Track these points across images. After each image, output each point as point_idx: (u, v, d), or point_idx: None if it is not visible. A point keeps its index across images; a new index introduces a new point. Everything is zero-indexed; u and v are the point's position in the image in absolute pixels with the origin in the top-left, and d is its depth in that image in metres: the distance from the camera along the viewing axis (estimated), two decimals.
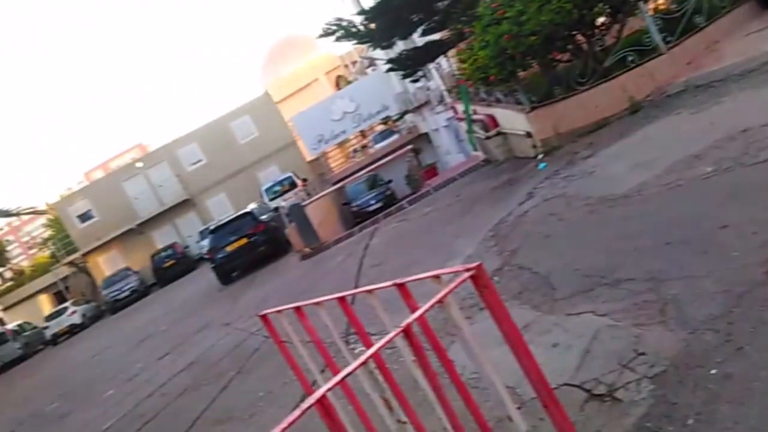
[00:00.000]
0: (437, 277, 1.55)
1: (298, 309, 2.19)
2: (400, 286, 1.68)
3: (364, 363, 1.29)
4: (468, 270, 1.38)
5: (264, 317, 2.41)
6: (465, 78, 9.34)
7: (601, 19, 8.36)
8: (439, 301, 1.40)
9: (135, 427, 5.76)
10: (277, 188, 25.37)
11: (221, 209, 29.22)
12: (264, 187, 26.20)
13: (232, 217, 17.69)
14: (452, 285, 1.41)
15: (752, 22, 7.93)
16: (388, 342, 1.31)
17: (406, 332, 1.32)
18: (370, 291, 1.84)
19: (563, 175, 6.49)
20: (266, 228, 15.37)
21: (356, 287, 6.86)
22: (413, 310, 1.62)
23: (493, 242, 5.51)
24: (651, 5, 8.62)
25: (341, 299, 1.96)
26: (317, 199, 21.40)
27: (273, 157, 33.44)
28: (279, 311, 2.30)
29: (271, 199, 23.95)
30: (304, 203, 16.18)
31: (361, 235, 11.59)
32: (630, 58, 7.79)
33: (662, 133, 6.00)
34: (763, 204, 3.31)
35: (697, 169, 4.38)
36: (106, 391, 8.47)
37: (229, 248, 15.04)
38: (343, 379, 1.23)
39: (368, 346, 2.01)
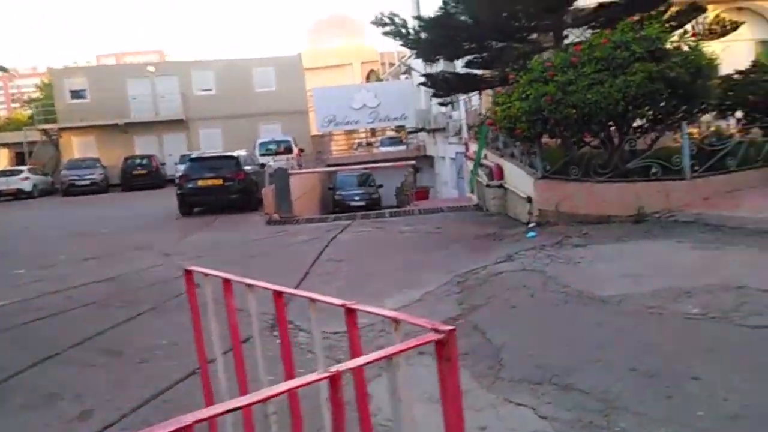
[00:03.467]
0: (396, 321, 1.29)
1: (227, 282, 1.90)
2: (350, 311, 1.41)
3: (263, 401, 1.01)
4: (437, 332, 1.12)
5: (189, 273, 2.11)
6: (492, 121, 9.13)
7: (641, 121, 8.22)
8: (389, 357, 1.14)
9: (24, 319, 5.37)
10: (272, 147, 24.93)
11: (211, 143, 28.69)
12: (260, 140, 25.74)
13: (217, 154, 17.24)
14: (410, 343, 1.15)
15: None
16: (305, 385, 1.03)
17: (333, 381, 1.05)
18: (312, 300, 1.56)
19: (549, 253, 6.29)
20: (245, 178, 14.96)
21: (306, 275, 6.57)
22: (353, 345, 1.36)
23: (458, 289, 5.26)
24: (693, 129, 8.50)
25: (278, 294, 1.68)
26: (306, 172, 21.06)
27: (281, 116, 32.98)
28: (206, 275, 2.01)
29: (262, 155, 23.51)
30: (291, 170, 15.85)
31: (333, 224, 11.28)
32: (654, 170, 7.65)
33: (659, 254, 5.82)
34: (742, 370, 3.11)
35: (684, 305, 4.18)
36: (17, 268, 8.04)
37: (201, 182, 14.63)
38: (219, 414, 0.95)
39: (288, 366, 1.73)
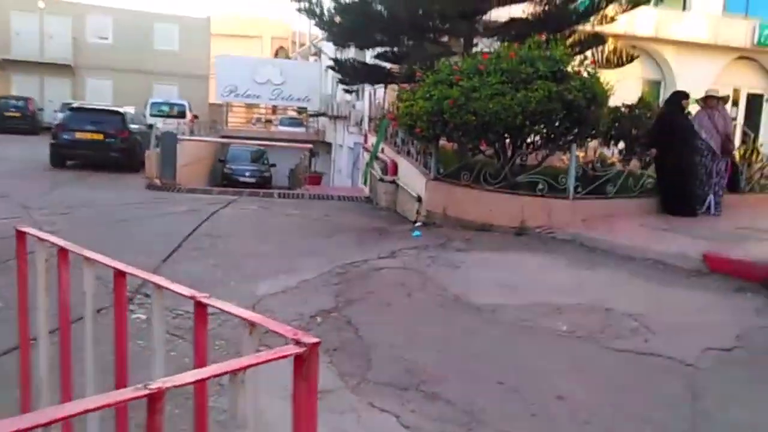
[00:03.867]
0: (252, 324, 1.09)
1: (63, 252, 1.62)
2: (200, 306, 1.20)
3: (62, 419, 0.79)
4: (298, 344, 0.94)
5: (21, 235, 1.79)
6: (393, 116, 9.07)
7: (534, 138, 8.46)
8: (233, 372, 0.94)
9: None
10: (165, 108, 23.66)
11: (100, 96, 26.76)
12: (152, 100, 24.32)
13: (102, 107, 16.04)
14: (263, 356, 0.96)
15: (649, 217, 8.36)
16: (108, 405, 0.81)
17: (152, 400, 0.84)
18: (158, 286, 1.33)
19: (431, 254, 6.28)
20: (129, 137, 14.02)
21: (177, 249, 6.16)
22: (198, 349, 1.15)
23: (336, 280, 5.11)
24: (580, 153, 8.87)
25: (120, 274, 1.43)
26: (197, 140, 20.10)
27: (179, 79, 31.45)
28: (41, 239, 1.70)
29: (152, 116, 22.24)
30: (181, 136, 15.04)
31: (217, 198, 10.80)
32: (540, 187, 7.89)
33: (536, 268, 5.98)
34: (606, 392, 3.19)
35: (554, 321, 4.27)
36: None
37: (79, 135, 13.55)
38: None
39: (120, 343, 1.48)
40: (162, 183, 12.21)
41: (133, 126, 14.60)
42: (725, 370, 3.58)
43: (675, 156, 8.42)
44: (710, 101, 8.79)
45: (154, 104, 23.63)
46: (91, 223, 7.57)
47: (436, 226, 7.88)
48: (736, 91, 19.20)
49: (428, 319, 4.23)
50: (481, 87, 7.30)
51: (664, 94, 12.80)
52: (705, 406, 3.18)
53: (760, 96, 20.80)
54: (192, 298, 1.21)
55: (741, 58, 20.52)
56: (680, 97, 8.80)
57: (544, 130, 8.15)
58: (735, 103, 18.95)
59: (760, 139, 13.77)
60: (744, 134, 12.62)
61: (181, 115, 23.06)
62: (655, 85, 19.11)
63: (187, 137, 17.88)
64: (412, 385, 3.04)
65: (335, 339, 3.64)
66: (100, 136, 13.59)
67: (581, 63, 8.16)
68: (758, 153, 11.16)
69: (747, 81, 19.68)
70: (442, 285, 5.12)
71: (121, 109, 14.98)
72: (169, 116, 22.59)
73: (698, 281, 5.65)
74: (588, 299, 4.89)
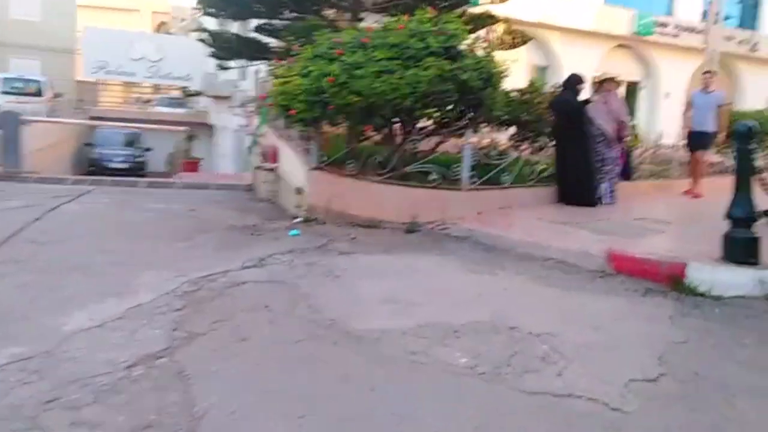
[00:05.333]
0: None
1: None
2: None
3: None
4: None
5: None
6: (265, 95, 7.96)
7: (426, 122, 7.69)
8: None
9: None
10: (19, 85, 20.95)
11: None
12: (3, 75, 21.49)
13: None
14: None
15: (547, 208, 7.85)
16: None
17: None
18: None
19: (309, 260, 5.32)
20: None
21: None
22: None
23: (180, 304, 4.02)
24: (475, 139, 8.21)
25: None
26: (53, 122, 17.88)
27: (41, 53, 28.37)
28: None
29: (4, 93, 19.65)
30: (29, 117, 13.05)
31: (69, 188, 9.31)
32: (433, 176, 7.13)
33: (429, 274, 5.17)
34: None
35: (451, 350, 3.44)
36: None
37: None
38: None
39: None
40: (4, 171, 10.41)
41: None
42: (656, 414, 2.89)
43: (573, 143, 7.96)
44: (608, 84, 8.39)
45: (6, 80, 20.85)
46: None
47: (318, 223, 6.92)
48: None
49: (292, 362, 3.26)
50: (366, 63, 6.37)
51: (551, 80, 12.59)
52: None
53: (636, 84, 21.49)
54: None
55: (620, 46, 21.09)
56: (576, 80, 8.33)
57: (437, 114, 7.39)
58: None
59: (639, 126, 13.96)
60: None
61: (38, 93, 20.50)
62: (542, 71, 19.13)
63: (41, 119, 15.78)
64: None
65: (152, 406, 2.59)
66: None
67: (474, 42, 7.43)
68: (640, 140, 11.10)
69: (625, 69, 20.16)
70: (318, 304, 4.17)
71: None
72: (24, 94, 19.99)
73: (604, 284, 5.07)
74: (489, 314, 4.13)
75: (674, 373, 3.37)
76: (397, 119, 7.17)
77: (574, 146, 8.01)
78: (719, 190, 10.47)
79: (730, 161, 13.07)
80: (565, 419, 2.81)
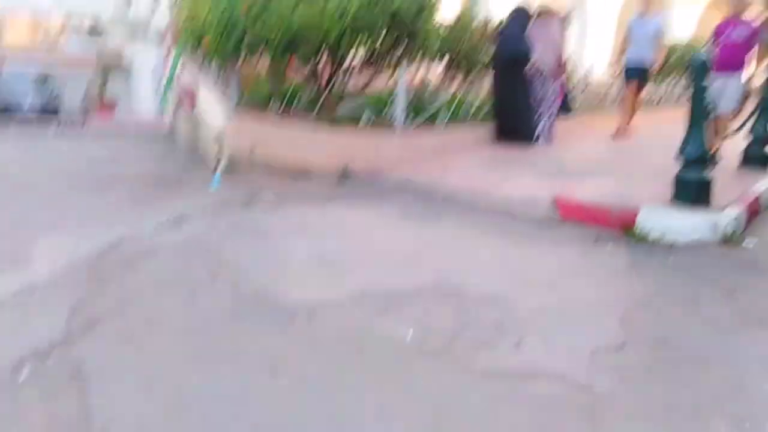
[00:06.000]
0: None
1: None
2: None
3: None
4: None
5: None
6: (179, 29, 7.08)
7: (355, 58, 7.05)
8: None
9: None
10: None
11: None
12: None
13: None
14: None
15: (485, 149, 7.47)
16: None
17: None
18: None
19: (232, 218, 4.75)
20: None
21: None
22: None
23: (84, 276, 3.42)
24: (409, 76, 7.65)
25: None
26: None
27: None
28: None
29: None
30: None
31: None
32: (365, 118, 6.57)
33: (364, 228, 4.70)
34: None
35: (395, 324, 3.01)
36: None
37: None
38: None
39: None
40: None
41: None
42: (632, 393, 2.58)
43: (513, 79, 7.53)
44: (544, 15, 7.92)
45: None
46: None
47: (243, 173, 6.29)
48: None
49: (212, 351, 2.75)
50: None
51: (479, 13, 12.00)
52: None
53: (567, 14, 21.09)
54: None
55: None
56: (524, 14, 7.82)
57: (368, 47, 6.75)
58: None
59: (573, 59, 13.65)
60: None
61: None
62: (471, 2, 18.44)
63: None
64: None
65: (37, 423, 2.06)
66: None
67: None
68: (575, 73, 10.81)
69: None
70: (242, 273, 3.64)
71: None
72: None
73: (552, 233, 4.75)
74: (433, 275, 3.73)
75: (640, 339, 3.07)
76: (321, 55, 6.50)
77: (514, 82, 7.59)
78: (660, 123, 10.42)
79: (661, 92, 13.07)
80: (531, 405, 2.44)
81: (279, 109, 6.53)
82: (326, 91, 6.69)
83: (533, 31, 8.00)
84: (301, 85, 7.25)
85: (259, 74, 7.57)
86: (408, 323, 3.08)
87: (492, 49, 7.91)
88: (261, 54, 6.24)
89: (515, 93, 7.60)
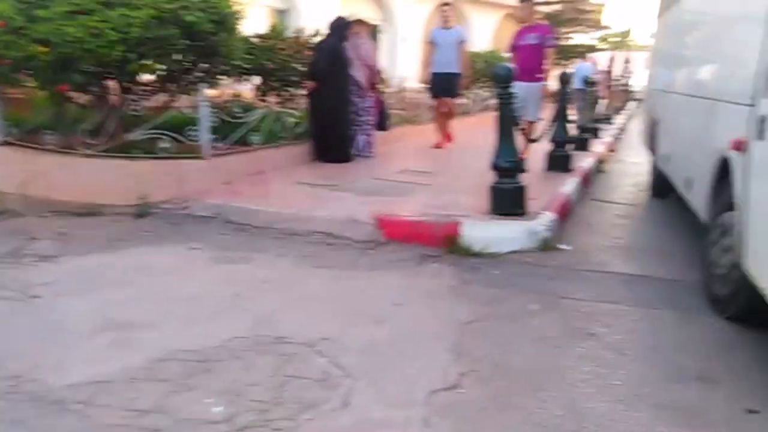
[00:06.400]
0: None
1: None
2: None
3: None
4: None
5: None
6: None
7: (148, 77, 6.31)
8: None
9: None
10: None
11: None
12: None
13: None
14: None
15: (303, 169, 7.07)
16: None
17: None
18: None
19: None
20: None
21: None
22: None
23: None
24: (215, 93, 7.03)
25: None
26: None
27: None
28: None
29: None
30: None
31: None
32: (163, 145, 5.84)
33: (167, 273, 4.04)
34: None
35: (199, 397, 2.47)
36: None
37: None
38: None
39: None
40: None
41: None
42: None
43: (329, 95, 7.22)
44: (356, 28, 7.74)
45: None
46: None
47: (14, 216, 5.27)
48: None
49: None
50: (53, 0, 4.80)
51: (291, 25, 11.67)
52: None
53: (376, 27, 21.62)
54: None
55: None
56: (344, 25, 7.53)
57: (161, 66, 6.04)
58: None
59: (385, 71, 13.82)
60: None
61: None
62: (281, 14, 18.10)
63: None
64: None
65: None
66: None
67: None
68: (387, 85, 10.82)
69: (364, 11, 20.07)
70: (6, 350, 2.86)
71: None
72: None
73: (376, 258, 4.47)
74: (249, 323, 3.23)
75: (475, 369, 2.84)
76: (106, 75, 5.67)
77: (330, 98, 7.27)
78: (470, 131, 10.74)
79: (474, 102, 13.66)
80: None
81: (60, 137, 5.59)
82: (115, 116, 5.85)
83: (348, 44, 7.76)
84: (87, 109, 6.31)
85: (35, 98, 6.50)
86: (217, 394, 2.55)
87: (308, 63, 7.53)
88: (25, 77, 5.28)
89: (333, 108, 7.29)
